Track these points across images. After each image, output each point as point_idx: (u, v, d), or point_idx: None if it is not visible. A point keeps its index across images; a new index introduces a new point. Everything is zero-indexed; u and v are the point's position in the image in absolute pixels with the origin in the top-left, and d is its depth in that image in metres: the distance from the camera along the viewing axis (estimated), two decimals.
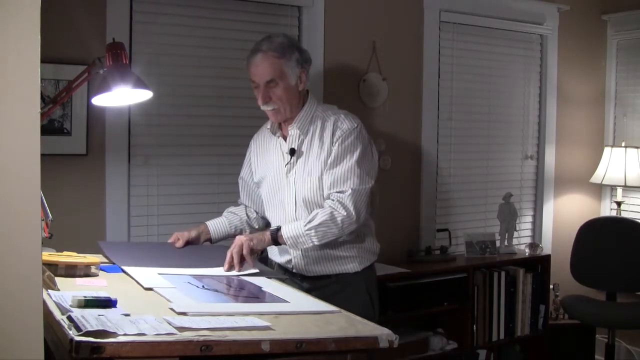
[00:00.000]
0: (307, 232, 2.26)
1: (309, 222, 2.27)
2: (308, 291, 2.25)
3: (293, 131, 2.40)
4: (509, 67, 4.06)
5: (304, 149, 2.39)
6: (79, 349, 1.26)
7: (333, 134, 2.34)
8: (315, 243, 2.29)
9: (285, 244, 2.31)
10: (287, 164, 2.41)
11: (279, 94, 2.33)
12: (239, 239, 2.23)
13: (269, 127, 2.50)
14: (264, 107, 2.38)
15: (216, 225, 2.56)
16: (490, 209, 3.99)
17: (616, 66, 4.40)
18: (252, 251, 2.22)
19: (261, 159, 2.54)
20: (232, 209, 2.65)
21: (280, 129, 2.47)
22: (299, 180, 2.38)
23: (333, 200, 2.30)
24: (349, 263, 2.42)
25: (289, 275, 2.46)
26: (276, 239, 2.30)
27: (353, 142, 2.33)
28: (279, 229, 2.30)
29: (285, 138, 2.44)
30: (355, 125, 2.36)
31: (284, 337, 1.50)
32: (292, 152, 2.39)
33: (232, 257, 2.18)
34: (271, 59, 2.32)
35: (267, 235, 2.30)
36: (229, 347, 1.41)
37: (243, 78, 3.19)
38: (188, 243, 2.44)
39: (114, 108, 2.72)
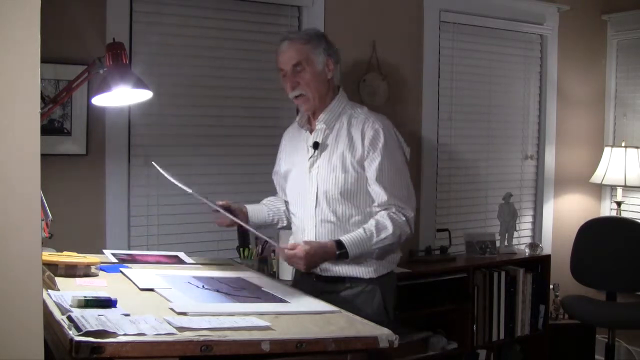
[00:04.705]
0: (374, 246, 2.24)
1: (379, 239, 2.23)
2: (321, 293, 2.21)
3: (320, 125, 2.37)
4: (509, 67, 4.06)
5: (328, 142, 2.35)
6: (79, 349, 1.26)
7: (364, 136, 2.29)
8: (373, 255, 2.29)
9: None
10: (310, 157, 2.37)
11: (307, 78, 2.31)
12: (304, 251, 2.18)
13: (298, 120, 2.49)
14: (291, 95, 2.35)
15: (255, 209, 2.52)
16: (490, 209, 3.99)
17: (616, 66, 4.40)
18: (307, 269, 2.23)
19: (288, 152, 2.52)
20: (271, 198, 2.62)
21: (308, 123, 2.43)
22: (322, 175, 2.33)
23: (404, 218, 2.27)
24: (365, 267, 2.33)
25: (304, 273, 2.39)
26: (339, 258, 2.25)
27: (396, 154, 2.32)
28: (342, 248, 2.23)
29: (312, 132, 2.41)
30: (393, 133, 2.34)
31: (284, 337, 1.50)
32: (316, 145, 2.35)
33: (283, 254, 2.22)
34: (297, 45, 2.32)
35: (333, 257, 2.24)
36: (229, 347, 1.41)
37: (243, 78, 3.21)
38: (229, 211, 2.36)
39: (114, 108, 2.72)
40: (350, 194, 2.30)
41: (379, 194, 2.28)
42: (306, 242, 2.22)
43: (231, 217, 2.31)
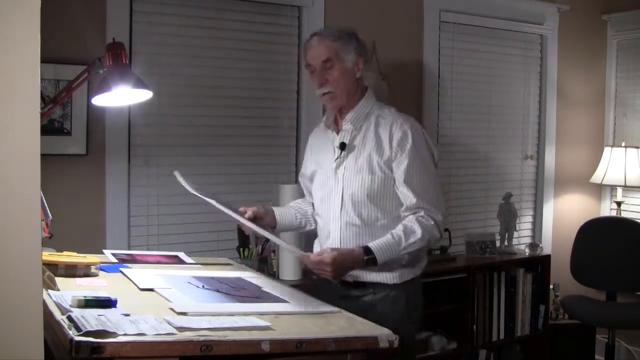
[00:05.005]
0: (403, 252, 2.18)
1: (407, 243, 2.17)
2: (343, 298, 2.17)
3: (347, 126, 2.32)
4: (509, 67, 4.06)
5: (355, 143, 2.30)
6: (79, 349, 1.26)
7: (392, 137, 2.25)
8: (403, 261, 2.25)
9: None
10: (337, 158, 2.32)
11: (336, 76, 2.27)
12: (331, 258, 2.09)
13: (324, 120, 2.45)
14: (319, 91, 2.30)
15: (282, 212, 2.45)
16: (490, 209, 3.99)
17: (616, 66, 4.40)
18: (334, 276, 2.14)
19: (314, 152, 2.47)
20: (298, 200, 2.57)
21: (335, 124, 2.39)
22: (348, 176, 2.28)
23: (433, 222, 2.21)
24: (389, 273, 2.26)
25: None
26: (367, 264, 2.17)
27: (425, 155, 2.27)
28: (369, 254, 2.16)
29: (339, 133, 2.36)
30: (421, 134, 2.29)
31: (284, 337, 1.50)
32: (342, 146, 2.30)
33: (310, 262, 2.12)
34: (327, 42, 2.29)
35: (361, 264, 2.17)
36: (229, 347, 1.41)
37: (243, 78, 3.21)
38: (256, 218, 2.29)
39: (114, 108, 2.72)
40: (377, 196, 2.25)
41: (407, 196, 2.23)
42: (333, 249, 2.16)
43: (255, 228, 2.19)
